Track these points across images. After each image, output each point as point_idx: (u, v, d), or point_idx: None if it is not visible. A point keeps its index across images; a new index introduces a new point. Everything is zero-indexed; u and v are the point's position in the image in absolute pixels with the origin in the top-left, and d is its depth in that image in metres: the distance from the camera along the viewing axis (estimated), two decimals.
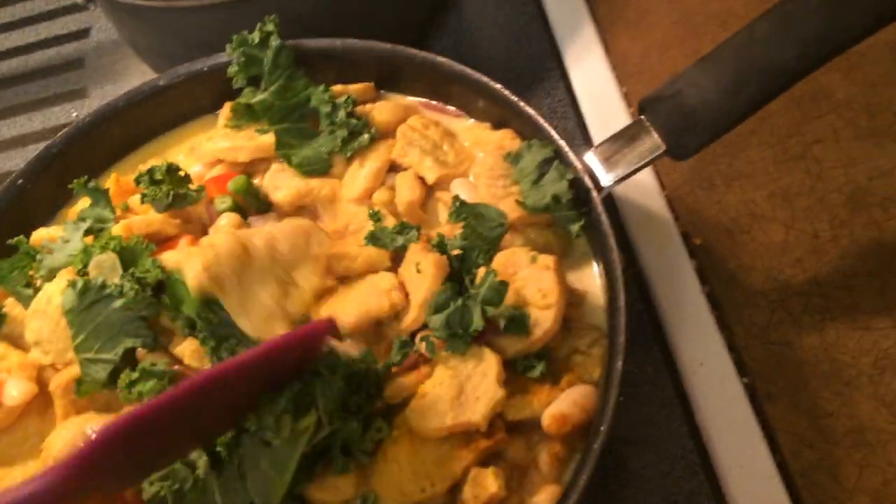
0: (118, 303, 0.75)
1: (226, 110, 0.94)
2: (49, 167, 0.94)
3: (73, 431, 0.75)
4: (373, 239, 0.81)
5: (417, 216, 0.85)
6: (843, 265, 0.93)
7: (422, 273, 0.75)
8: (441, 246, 0.77)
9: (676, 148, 0.80)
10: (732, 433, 0.85)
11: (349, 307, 0.76)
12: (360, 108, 0.91)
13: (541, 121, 0.83)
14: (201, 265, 0.72)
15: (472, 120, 0.94)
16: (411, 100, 0.96)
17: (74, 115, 1.24)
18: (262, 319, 0.74)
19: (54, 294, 0.80)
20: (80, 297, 0.75)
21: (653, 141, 0.80)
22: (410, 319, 0.75)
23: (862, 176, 0.97)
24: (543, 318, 0.73)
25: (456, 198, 0.80)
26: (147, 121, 0.98)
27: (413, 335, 0.76)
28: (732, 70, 0.78)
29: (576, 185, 0.80)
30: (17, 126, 1.25)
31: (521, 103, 0.85)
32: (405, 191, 0.85)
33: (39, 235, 0.89)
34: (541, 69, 1.16)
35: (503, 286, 0.72)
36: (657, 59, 1.13)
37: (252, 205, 0.88)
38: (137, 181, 0.86)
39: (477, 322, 0.71)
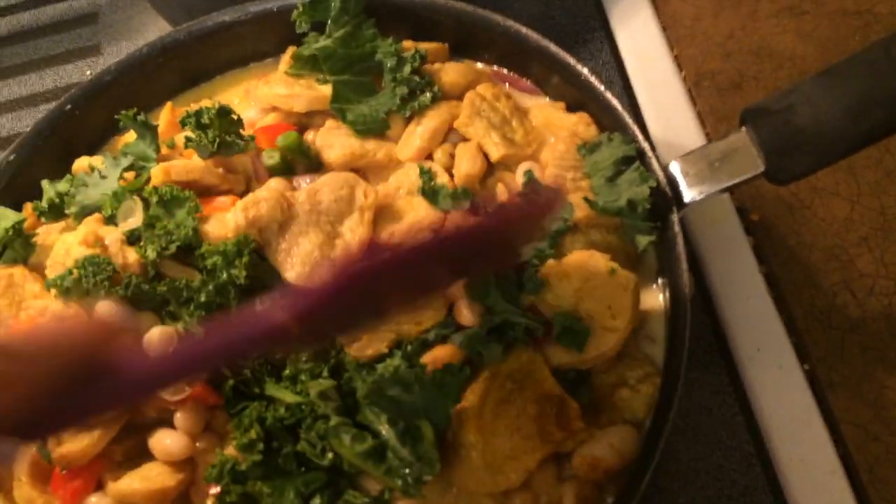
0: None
1: (287, 55, 0.89)
2: (100, 96, 0.91)
3: None
4: (425, 194, 0.76)
5: (474, 192, 0.79)
6: None
7: None
8: None
9: (777, 171, 0.70)
10: (792, 424, 0.80)
11: None
12: (427, 67, 0.85)
13: (626, 117, 0.75)
14: (242, 210, 0.73)
15: (546, 98, 0.87)
16: (484, 66, 0.89)
17: (88, 73, 1.17)
18: (307, 267, 0.72)
19: (73, 246, 0.75)
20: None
21: (750, 159, 0.71)
22: None
23: None
24: (604, 340, 0.68)
25: (529, 172, 0.73)
26: (208, 58, 0.94)
27: None
28: (857, 90, 0.68)
29: (653, 195, 0.72)
30: (27, 84, 1.19)
31: (608, 94, 0.77)
32: (465, 162, 0.79)
33: (81, 164, 0.86)
34: (584, 30, 1.08)
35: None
36: (711, 20, 1.05)
37: (301, 162, 0.83)
38: (183, 123, 0.81)
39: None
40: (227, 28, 0.91)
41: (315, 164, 0.83)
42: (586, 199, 0.73)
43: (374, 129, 0.82)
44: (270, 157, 0.81)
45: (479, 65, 0.90)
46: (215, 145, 0.79)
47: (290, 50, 0.89)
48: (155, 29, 1.17)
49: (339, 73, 0.84)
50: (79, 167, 0.86)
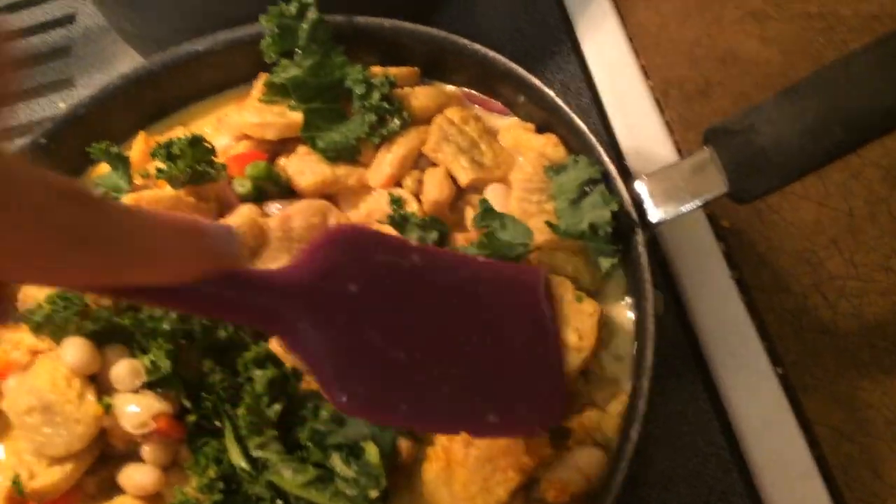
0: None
1: (260, 82, 0.89)
2: (74, 128, 0.91)
3: None
4: (393, 222, 0.75)
5: (443, 218, 0.79)
6: (881, 245, 0.88)
7: None
8: None
9: (739, 191, 0.70)
10: (767, 428, 0.81)
11: None
12: (397, 92, 0.85)
13: (591, 138, 0.75)
14: None
15: (516, 119, 0.87)
16: (454, 89, 0.89)
17: (62, 106, 1.18)
18: None
19: None
20: None
21: (715, 179, 0.70)
22: None
23: None
24: (568, 358, 0.68)
25: (483, 201, 0.73)
26: (181, 87, 0.94)
27: None
28: (817, 109, 0.67)
29: (618, 217, 0.72)
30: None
31: (573, 115, 0.77)
32: (433, 189, 0.78)
33: None
34: (552, 42, 1.09)
35: None
36: (676, 28, 1.06)
37: (272, 190, 0.83)
38: (153, 155, 0.80)
39: None
40: (200, 57, 0.91)
41: (287, 191, 0.83)
42: (548, 223, 0.72)
43: (345, 155, 0.83)
44: (242, 186, 0.82)
45: (450, 87, 0.90)
46: (187, 175, 0.80)
47: (263, 77, 0.89)
48: (127, 60, 1.18)
49: (309, 101, 0.84)
50: None
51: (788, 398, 0.81)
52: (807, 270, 0.88)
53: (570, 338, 0.69)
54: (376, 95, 0.82)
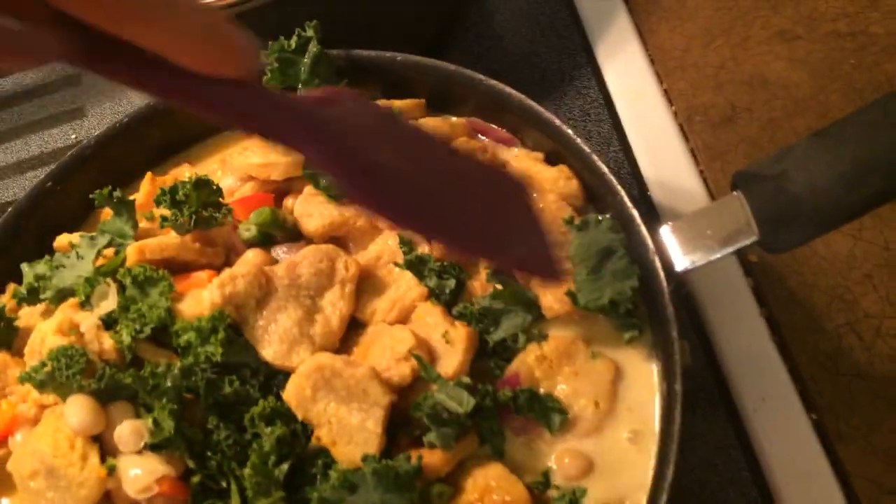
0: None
1: None
2: (80, 170, 0.90)
3: None
4: (411, 265, 0.73)
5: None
6: None
7: (451, 344, 0.68)
8: (468, 316, 0.70)
9: (772, 240, 0.66)
10: (801, 478, 0.77)
11: None
12: None
13: (613, 181, 0.71)
14: (218, 287, 0.70)
15: (523, 148, 0.83)
16: (458, 119, 0.86)
17: (73, 137, 1.17)
18: (284, 345, 0.70)
19: (47, 335, 0.74)
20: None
21: (745, 227, 0.66)
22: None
23: None
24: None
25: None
26: (188, 125, 0.92)
27: None
28: (854, 154, 0.63)
29: (643, 266, 0.68)
30: (13, 152, 1.18)
31: (598, 161, 0.73)
32: None
33: (62, 241, 0.85)
34: (571, 66, 1.06)
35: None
36: (701, 51, 1.02)
37: (279, 234, 0.81)
38: (157, 202, 0.78)
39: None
40: None
41: (294, 234, 0.80)
42: (568, 294, 0.69)
43: None
44: (247, 231, 0.79)
45: (454, 118, 0.86)
46: (192, 222, 0.77)
47: None
48: None
49: None
50: (60, 245, 0.85)
51: (824, 447, 0.77)
52: (841, 308, 0.84)
53: (581, 401, 0.66)
54: None
